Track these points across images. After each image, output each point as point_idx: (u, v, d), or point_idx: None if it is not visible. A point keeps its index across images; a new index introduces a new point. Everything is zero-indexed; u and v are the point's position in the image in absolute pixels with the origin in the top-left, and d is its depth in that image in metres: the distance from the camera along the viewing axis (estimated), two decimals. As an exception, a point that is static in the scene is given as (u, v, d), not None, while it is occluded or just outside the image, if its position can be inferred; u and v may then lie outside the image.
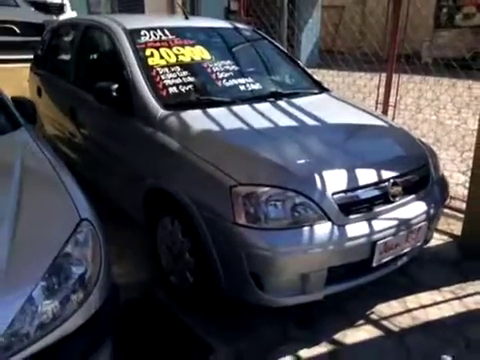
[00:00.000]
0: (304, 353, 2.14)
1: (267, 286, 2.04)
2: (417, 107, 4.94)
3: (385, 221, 2.18)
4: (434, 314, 2.41)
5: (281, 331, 2.29)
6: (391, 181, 2.23)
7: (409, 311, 2.44)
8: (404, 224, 2.23)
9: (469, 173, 3.10)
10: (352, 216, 2.09)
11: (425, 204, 2.36)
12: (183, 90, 2.71)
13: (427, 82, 4.65)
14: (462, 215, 3.22)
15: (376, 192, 2.20)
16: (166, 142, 2.40)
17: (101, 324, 1.52)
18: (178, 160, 2.32)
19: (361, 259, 2.14)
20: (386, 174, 2.23)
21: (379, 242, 2.12)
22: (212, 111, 2.57)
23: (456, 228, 3.24)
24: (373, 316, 2.40)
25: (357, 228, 2.08)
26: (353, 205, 2.11)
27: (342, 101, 3.15)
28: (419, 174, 2.43)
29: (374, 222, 2.14)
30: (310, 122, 2.60)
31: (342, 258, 2.08)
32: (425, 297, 2.55)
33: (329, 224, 2.02)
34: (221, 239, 2.08)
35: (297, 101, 2.88)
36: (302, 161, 2.19)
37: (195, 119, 2.49)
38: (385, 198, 2.21)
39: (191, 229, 2.22)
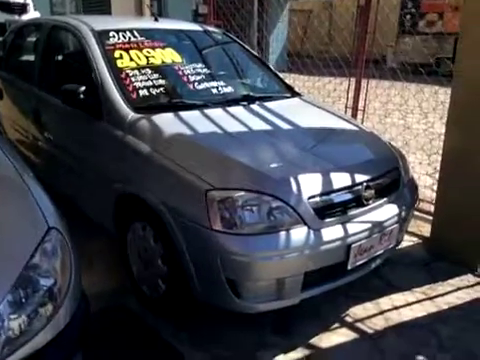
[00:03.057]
0: (281, 359, 2.12)
1: (243, 292, 2.01)
2: (385, 111, 5.04)
3: (359, 224, 2.19)
4: (407, 315, 2.44)
5: (257, 337, 2.26)
6: (364, 184, 2.24)
7: (383, 313, 2.46)
8: (377, 227, 2.25)
9: (436, 176, 3.17)
10: (327, 220, 2.09)
11: (397, 207, 2.40)
12: (154, 93, 2.65)
13: (395, 87, 4.75)
14: (430, 217, 3.29)
15: (350, 196, 2.21)
16: (137, 146, 2.34)
17: (71, 338, 1.45)
18: (150, 164, 2.26)
19: (336, 262, 2.14)
20: (359, 178, 2.25)
21: (354, 245, 2.13)
22: (184, 114, 2.53)
23: (425, 230, 3.31)
24: (348, 319, 2.41)
25: (332, 232, 2.08)
26: (328, 209, 2.11)
27: (314, 105, 3.17)
28: (391, 177, 2.46)
29: (348, 225, 2.14)
30: (284, 126, 2.60)
31: (318, 262, 2.08)
32: (398, 298, 2.58)
33: (305, 228, 2.01)
34: (196, 245, 2.03)
35: (270, 105, 2.87)
36: (277, 165, 2.17)
37: (167, 122, 2.44)
38: (358, 201, 2.22)
39: (164, 235, 2.16)
